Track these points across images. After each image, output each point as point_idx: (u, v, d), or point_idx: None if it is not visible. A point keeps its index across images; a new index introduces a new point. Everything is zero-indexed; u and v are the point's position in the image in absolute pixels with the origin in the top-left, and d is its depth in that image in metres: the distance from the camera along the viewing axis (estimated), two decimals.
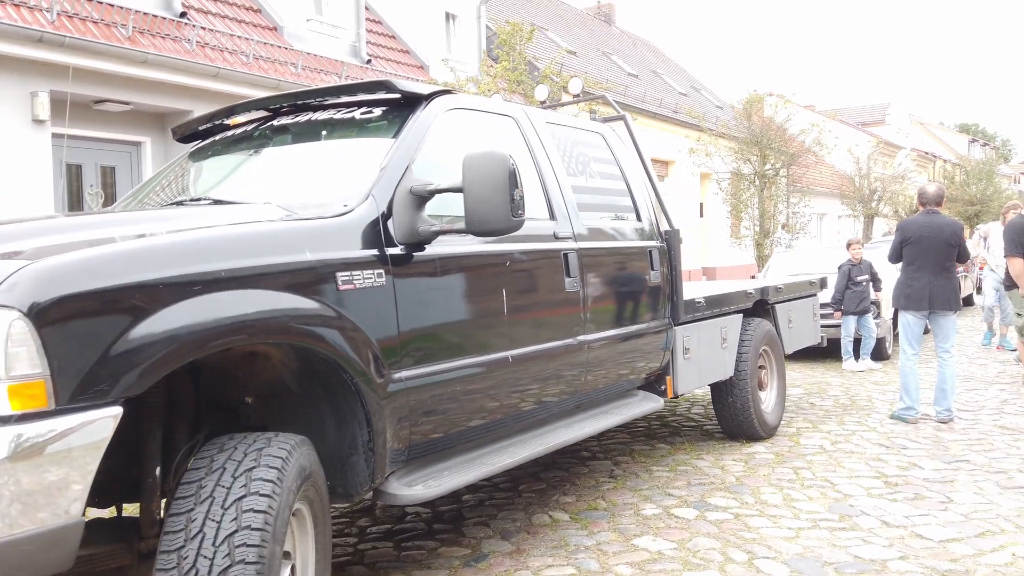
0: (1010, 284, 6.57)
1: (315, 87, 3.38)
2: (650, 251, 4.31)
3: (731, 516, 3.91)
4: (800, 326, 6.20)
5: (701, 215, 21.07)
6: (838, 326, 8.48)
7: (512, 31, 10.32)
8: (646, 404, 4.29)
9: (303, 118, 3.32)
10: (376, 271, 2.55)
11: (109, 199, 8.85)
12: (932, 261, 5.71)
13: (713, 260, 21.02)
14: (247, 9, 11.86)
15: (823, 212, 27.74)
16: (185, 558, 1.91)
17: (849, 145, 23.36)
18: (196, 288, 2.00)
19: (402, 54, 14.51)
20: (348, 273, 2.43)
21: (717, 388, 5.24)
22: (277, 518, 1.99)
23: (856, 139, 27.77)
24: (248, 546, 1.92)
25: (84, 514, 1.82)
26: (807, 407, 6.55)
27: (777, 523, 3.80)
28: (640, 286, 4.23)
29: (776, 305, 5.80)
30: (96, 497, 2.16)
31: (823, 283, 6.87)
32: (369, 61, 13.02)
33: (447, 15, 15.25)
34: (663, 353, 4.42)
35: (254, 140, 3.39)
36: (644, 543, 3.58)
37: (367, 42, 13.62)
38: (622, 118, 4.80)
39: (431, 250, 2.82)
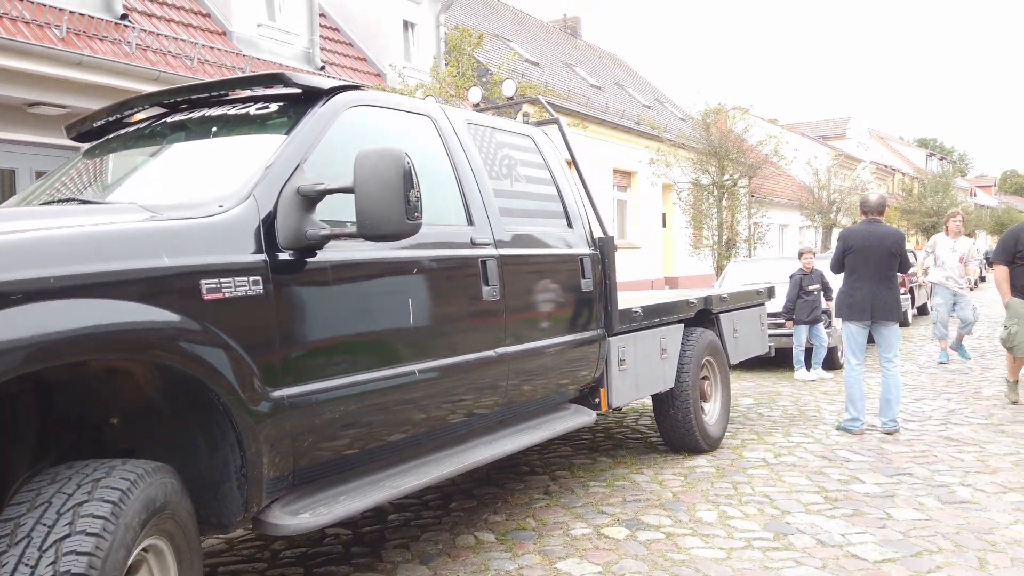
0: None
1: (210, 80, 3.14)
2: (581, 259, 4.14)
3: (662, 536, 3.73)
4: (747, 336, 6.08)
5: (664, 225, 21.09)
6: (790, 335, 8.41)
7: (461, 36, 10.16)
8: (577, 418, 4.10)
9: (198, 114, 3.09)
10: (252, 278, 2.32)
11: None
12: (874, 271, 5.63)
13: (676, 270, 21.04)
14: (195, 13, 11.56)
15: (785, 223, 28.03)
16: None
17: (808, 157, 23.63)
18: (15, 298, 1.75)
19: (358, 61, 14.30)
20: (215, 281, 2.20)
21: (658, 400, 5.08)
22: (107, 560, 1.75)
23: (815, 151, 28.14)
24: None
25: None
26: (755, 418, 6.42)
27: (709, 543, 3.63)
28: (569, 295, 4.05)
29: (720, 315, 5.67)
30: None
31: (771, 293, 6.77)
32: (323, 68, 12.77)
33: (405, 23, 15.08)
34: (596, 365, 4.24)
35: (146, 138, 3.15)
36: (568, 567, 3.38)
37: (322, 48, 13.39)
38: (556, 121, 4.64)
39: (325, 256, 2.60)
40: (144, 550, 2.02)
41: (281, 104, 2.97)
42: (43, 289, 1.79)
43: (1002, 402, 6.76)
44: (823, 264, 7.57)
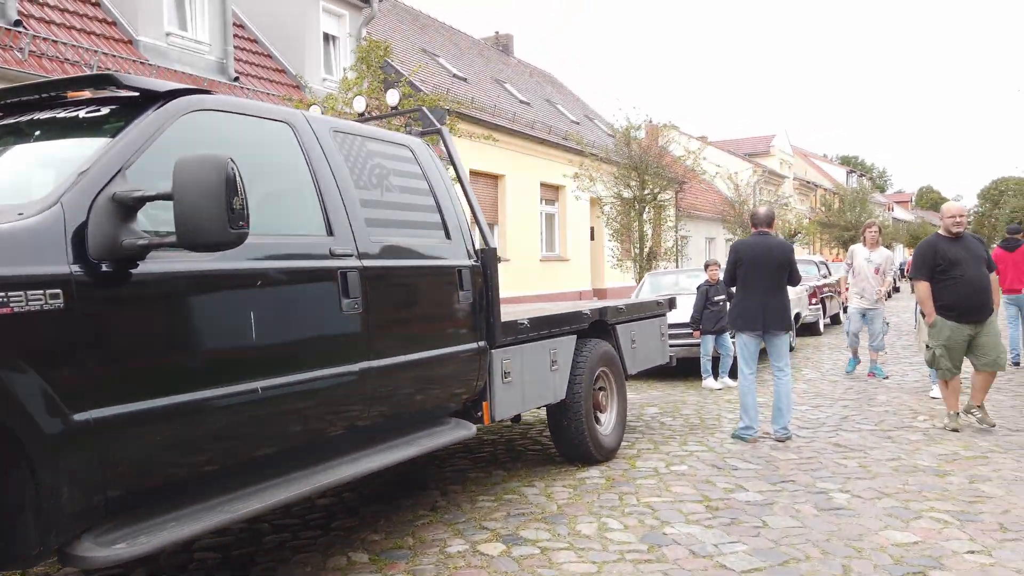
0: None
1: (39, 81, 2.95)
2: (459, 270, 4.06)
3: (538, 551, 3.66)
4: (645, 346, 6.11)
5: (592, 238, 21.30)
6: (697, 345, 8.52)
7: (369, 47, 10.06)
8: (456, 432, 4.00)
9: (27, 118, 2.90)
10: (51, 292, 2.16)
11: None
12: (765, 282, 5.74)
13: (605, 282, 21.26)
14: (100, 21, 11.13)
15: (712, 236, 28.70)
16: None
17: (730, 173, 24.29)
18: None
19: (277, 73, 14.03)
20: (1, 294, 2.04)
21: (552, 411, 5.04)
22: None
23: (739, 167, 28.98)
24: None
25: None
26: (657, 427, 6.45)
27: (583, 556, 3.58)
28: (445, 308, 3.97)
29: (617, 326, 5.68)
30: None
31: (671, 303, 6.84)
32: (237, 79, 12.46)
33: (326, 36, 14.90)
34: (477, 377, 4.16)
35: None
36: None
37: (239, 60, 13.08)
38: (439, 131, 4.57)
39: (148, 267, 2.46)
40: None
41: (114, 107, 2.81)
42: None
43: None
44: None
